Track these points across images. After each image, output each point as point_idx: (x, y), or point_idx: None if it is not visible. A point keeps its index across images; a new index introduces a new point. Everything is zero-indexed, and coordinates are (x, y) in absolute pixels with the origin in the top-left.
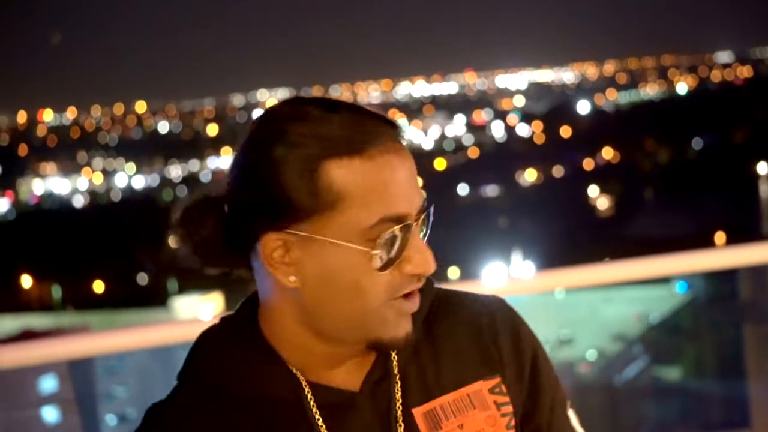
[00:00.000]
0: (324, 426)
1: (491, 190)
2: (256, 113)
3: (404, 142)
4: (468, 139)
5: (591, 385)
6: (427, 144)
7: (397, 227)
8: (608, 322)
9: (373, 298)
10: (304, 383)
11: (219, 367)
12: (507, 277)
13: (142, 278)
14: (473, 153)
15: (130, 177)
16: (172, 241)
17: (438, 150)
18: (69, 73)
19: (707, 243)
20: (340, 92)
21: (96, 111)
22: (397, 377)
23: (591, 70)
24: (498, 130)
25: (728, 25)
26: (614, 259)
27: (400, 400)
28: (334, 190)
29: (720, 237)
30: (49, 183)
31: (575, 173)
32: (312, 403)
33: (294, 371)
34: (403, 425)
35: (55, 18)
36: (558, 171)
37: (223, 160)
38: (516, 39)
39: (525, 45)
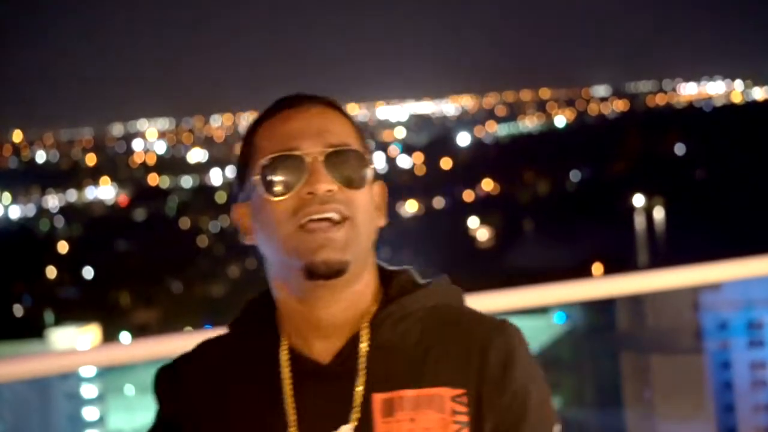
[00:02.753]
0: (292, 390)
1: None
2: (136, 143)
3: (326, 106)
4: None
5: None
6: None
7: (273, 155)
8: None
9: (284, 223)
10: (285, 349)
11: (234, 324)
12: None
13: (18, 310)
14: None
15: (6, 207)
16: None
17: None
18: None
19: (586, 274)
20: (221, 122)
21: None
22: (363, 360)
23: (470, 103)
24: (379, 162)
25: (604, 60)
26: (494, 290)
27: (364, 380)
28: (252, 150)
29: (597, 268)
30: None
31: (455, 204)
32: (287, 367)
33: (281, 336)
34: (359, 406)
35: None
36: (438, 202)
37: (102, 189)
38: (396, 71)
39: (405, 77)
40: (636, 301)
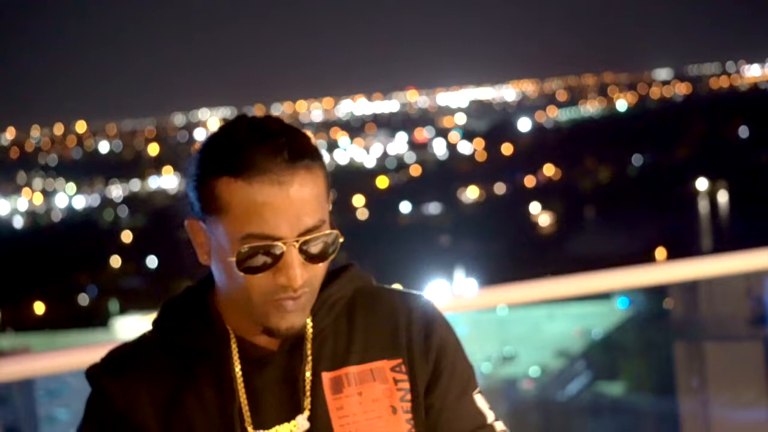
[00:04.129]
0: (242, 377)
1: (433, 208)
2: (198, 132)
3: (303, 170)
4: (410, 157)
5: (534, 402)
6: (369, 162)
7: (257, 243)
8: (551, 338)
9: (251, 294)
10: (233, 339)
11: (168, 323)
12: (450, 294)
13: (84, 299)
14: (415, 171)
15: (70, 197)
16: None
17: (380, 168)
18: (7, 93)
19: (649, 260)
20: (281, 110)
21: (35, 131)
22: (310, 344)
23: (531, 88)
24: (440, 148)
25: (666, 43)
26: (557, 275)
27: (311, 364)
28: (219, 200)
29: (661, 253)
30: None
31: (517, 190)
32: (236, 356)
33: (228, 328)
34: (309, 385)
35: None
36: (500, 188)
37: (165, 179)
38: (457, 57)
39: (466, 63)
40: (689, 288)
